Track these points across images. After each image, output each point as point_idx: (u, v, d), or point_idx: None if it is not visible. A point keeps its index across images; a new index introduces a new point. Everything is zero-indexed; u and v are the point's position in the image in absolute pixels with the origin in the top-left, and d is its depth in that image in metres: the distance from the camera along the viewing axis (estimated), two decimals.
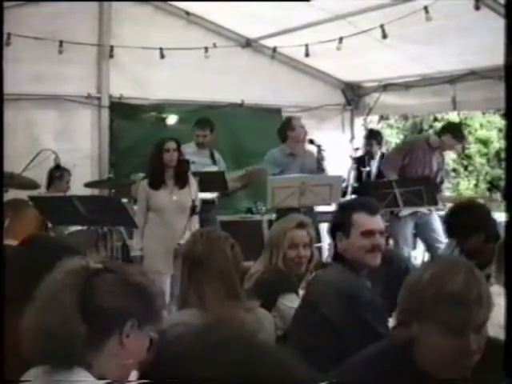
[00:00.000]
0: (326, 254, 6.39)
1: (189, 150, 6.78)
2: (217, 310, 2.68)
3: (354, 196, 7.18)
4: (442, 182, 6.92)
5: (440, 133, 6.82)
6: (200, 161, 6.75)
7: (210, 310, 2.70)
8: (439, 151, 6.82)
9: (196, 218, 5.65)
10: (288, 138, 6.67)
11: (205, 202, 6.62)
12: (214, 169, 6.85)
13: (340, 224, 2.99)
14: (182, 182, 5.65)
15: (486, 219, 3.95)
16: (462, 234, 3.87)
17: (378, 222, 2.97)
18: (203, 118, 7.10)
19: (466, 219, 3.90)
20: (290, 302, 3.28)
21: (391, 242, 6.82)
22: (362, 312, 2.73)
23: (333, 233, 3.03)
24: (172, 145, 5.63)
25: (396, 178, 6.44)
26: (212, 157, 6.98)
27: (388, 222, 6.33)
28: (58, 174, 6.41)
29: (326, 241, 6.54)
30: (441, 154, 6.91)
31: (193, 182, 5.72)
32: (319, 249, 6.06)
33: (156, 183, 5.61)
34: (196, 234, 3.11)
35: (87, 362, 1.62)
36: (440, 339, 1.79)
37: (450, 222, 4.14)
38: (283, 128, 6.75)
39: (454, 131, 6.68)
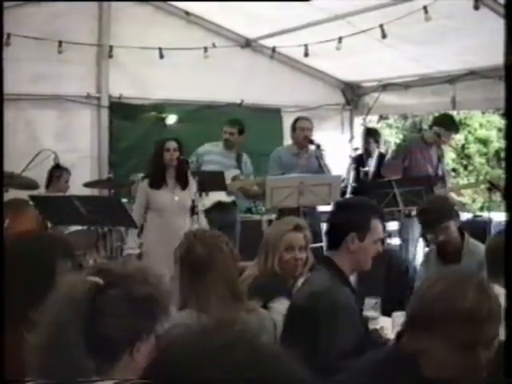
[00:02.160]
0: None
1: (215, 148, 6.76)
2: (220, 312, 2.65)
3: (353, 196, 7.18)
4: (443, 175, 6.82)
5: (433, 126, 6.81)
6: (224, 162, 6.70)
7: (214, 312, 2.66)
8: (436, 145, 6.79)
9: (203, 219, 5.65)
10: (292, 138, 6.80)
11: (224, 203, 6.64)
12: (236, 173, 6.78)
13: (360, 226, 2.99)
14: (183, 182, 5.65)
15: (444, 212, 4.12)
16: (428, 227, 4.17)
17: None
18: (235, 118, 7.09)
19: (429, 216, 4.15)
20: (279, 306, 3.24)
21: (393, 242, 6.83)
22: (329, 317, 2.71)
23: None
24: (172, 144, 5.62)
25: (396, 178, 6.43)
26: (238, 160, 6.88)
27: (399, 221, 6.38)
28: (57, 173, 6.41)
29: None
30: (439, 148, 6.88)
31: (192, 182, 5.72)
32: (321, 248, 6.06)
33: (157, 183, 5.60)
34: (190, 234, 3.05)
35: (101, 375, 1.56)
36: (448, 354, 1.76)
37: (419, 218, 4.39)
38: (291, 128, 6.85)
39: (446, 123, 6.67)
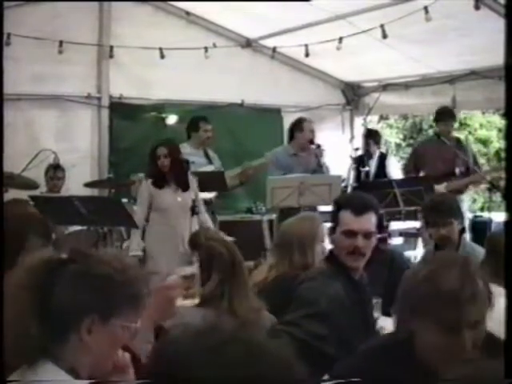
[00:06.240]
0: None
1: (184, 150, 6.74)
2: (247, 315, 2.68)
3: None
4: (463, 170, 6.62)
5: (435, 123, 6.94)
6: (196, 160, 6.70)
7: (241, 314, 2.71)
8: (446, 139, 6.64)
9: (196, 219, 5.65)
10: (294, 138, 6.70)
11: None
12: (211, 168, 6.81)
13: (332, 220, 2.92)
14: (183, 183, 5.65)
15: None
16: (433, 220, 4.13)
17: (362, 222, 2.79)
18: (200, 115, 7.09)
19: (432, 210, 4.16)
20: None
21: (394, 242, 6.81)
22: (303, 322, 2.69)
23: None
24: (162, 150, 5.58)
25: (396, 178, 6.44)
26: (207, 156, 6.94)
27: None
28: (51, 172, 6.46)
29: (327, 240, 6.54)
30: (458, 143, 6.82)
31: (193, 182, 5.71)
32: None
33: (160, 183, 5.61)
34: (203, 236, 3.03)
35: (55, 355, 1.59)
36: (436, 336, 1.82)
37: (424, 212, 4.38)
38: (292, 127, 6.78)
39: (437, 114, 6.78)
